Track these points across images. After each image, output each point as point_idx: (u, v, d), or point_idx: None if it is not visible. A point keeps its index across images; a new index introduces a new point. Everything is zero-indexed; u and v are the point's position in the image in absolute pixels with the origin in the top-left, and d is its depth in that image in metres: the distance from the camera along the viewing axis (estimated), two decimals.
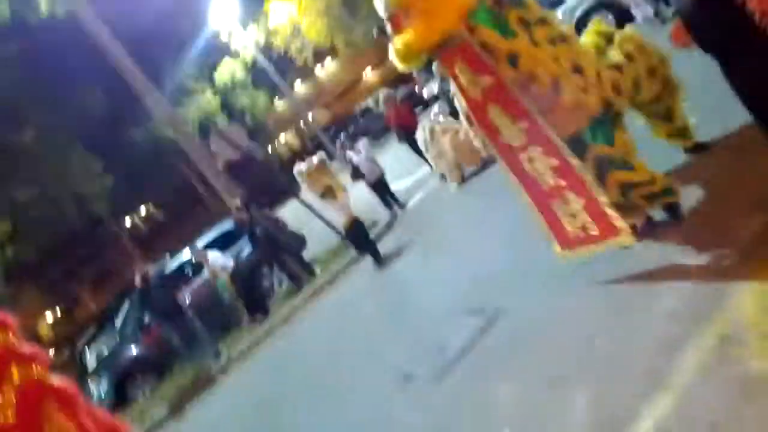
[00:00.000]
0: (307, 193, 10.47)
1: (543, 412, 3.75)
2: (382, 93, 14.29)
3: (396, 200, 12.00)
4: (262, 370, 9.31)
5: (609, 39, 4.93)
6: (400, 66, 4.53)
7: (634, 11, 11.03)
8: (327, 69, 49.37)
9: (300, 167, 9.84)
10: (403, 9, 4.33)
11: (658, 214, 4.66)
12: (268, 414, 7.21)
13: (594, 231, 4.38)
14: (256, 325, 11.45)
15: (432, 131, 10.79)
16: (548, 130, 4.24)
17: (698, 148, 5.20)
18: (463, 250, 7.38)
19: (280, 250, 11.68)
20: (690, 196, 4.64)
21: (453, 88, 4.89)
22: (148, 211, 47.01)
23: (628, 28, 5.20)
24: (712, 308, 3.49)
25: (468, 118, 5.23)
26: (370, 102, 27.60)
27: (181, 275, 12.30)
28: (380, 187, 11.92)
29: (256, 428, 7.15)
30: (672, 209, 4.58)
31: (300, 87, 47.03)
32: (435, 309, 6.41)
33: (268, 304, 11.93)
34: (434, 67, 10.41)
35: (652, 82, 4.88)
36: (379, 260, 9.38)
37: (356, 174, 11.86)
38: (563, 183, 4.34)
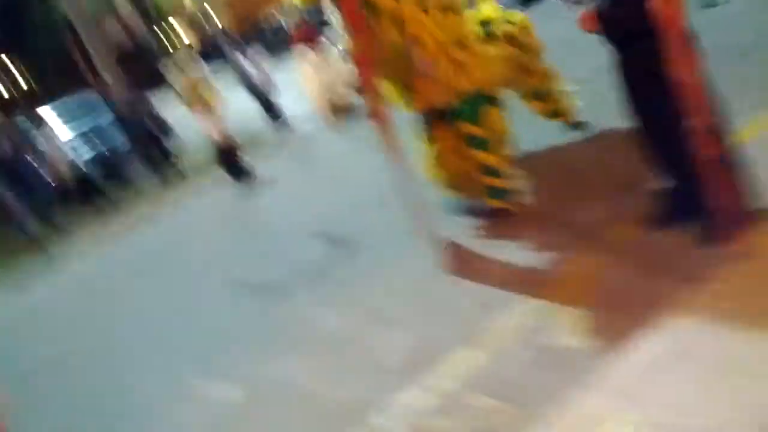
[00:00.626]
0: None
1: (360, 345, 3.92)
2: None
3: (279, 116, 11.74)
4: (99, 261, 8.92)
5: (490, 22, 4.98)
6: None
7: None
8: None
9: (174, 71, 9.06)
10: None
11: None
12: (100, 303, 7.02)
13: None
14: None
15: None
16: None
17: (577, 125, 5.51)
18: (338, 180, 7.41)
19: (150, 140, 11.21)
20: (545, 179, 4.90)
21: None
22: (19, 68, 43.62)
23: (520, 13, 5.28)
24: (536, 285, 3.75)
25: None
26: (282, 20, 26.61)
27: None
28: (266, 101, 11.64)
29: (84, 314, 6.92)
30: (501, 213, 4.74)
31: None
32: (293, 231, 6.42)
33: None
34: None
35: (528, 72, 5.15)
36: (248, 181, 9.01)
37: (245, 82, 11.54)
38: None
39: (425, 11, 4.27)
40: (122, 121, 11.21)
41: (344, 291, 4.69)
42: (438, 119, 4.75)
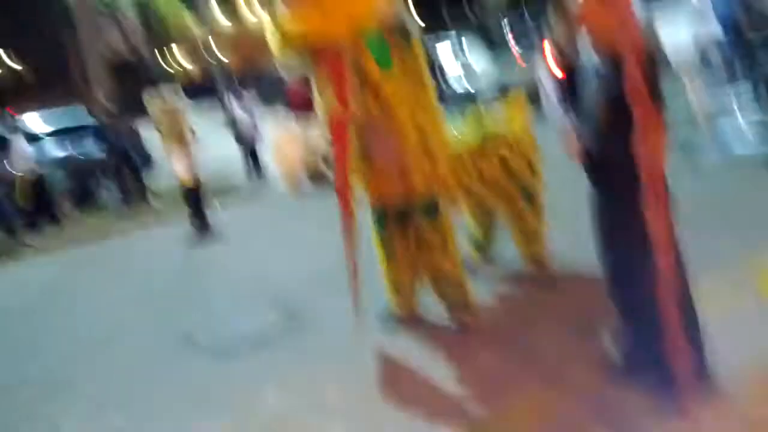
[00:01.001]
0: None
1: (293, 427, 3.78)
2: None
3: (259, 169, 11.75)
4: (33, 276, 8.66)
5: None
6: (274, 50, 4.18)
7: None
8: (259, 17, 48.02)
9: (154, 101, 8.65)
10: None
11: None
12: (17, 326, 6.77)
13: None
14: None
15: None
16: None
17: (549, 281, 5.03)
18: (300, 247, 7.38)
19: (125, 161, 11.05)
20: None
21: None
22: (9, 61, 43.28)
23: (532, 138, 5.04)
24: (476, 413, 3.66)
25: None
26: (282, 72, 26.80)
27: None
28: (249, 149, 11.68)
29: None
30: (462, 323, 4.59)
31: (225, 19, 45.32)
32: (245, 291, 6.32)
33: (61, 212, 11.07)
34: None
35: (511, 204, 4.92)
36: (206, 229, 8.88)
37: (233, 127, 11.62)
38: None
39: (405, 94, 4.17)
40: (103, 138, 11.06)
41: (287, 366, 4.56)
42: (394, 217, 4.57)
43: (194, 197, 8.80)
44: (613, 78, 3.04)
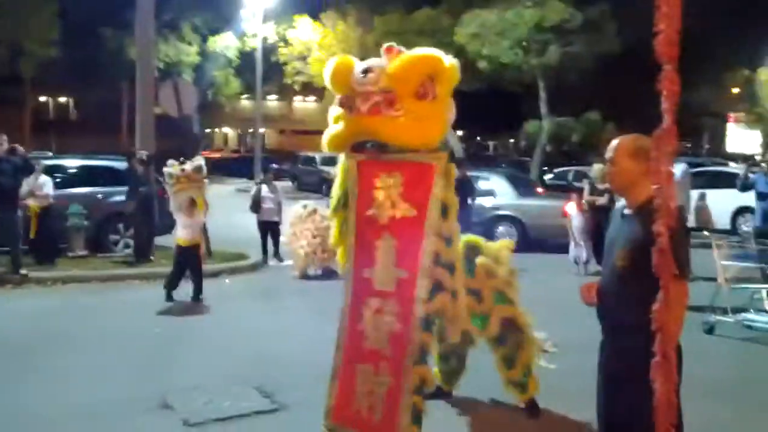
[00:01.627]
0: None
1: None
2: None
3: (278, 252, 11.82)
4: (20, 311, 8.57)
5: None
6: (326, 145, 4.18)
7: (570, 248, 11.50)
8: (305, 105, 49.71)
9: (173, 169, 8.69)
10: (386, 93, 3.89)
11: None
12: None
13: (375, 417, 3.93)
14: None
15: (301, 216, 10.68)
16: (418, 298, 3.89)
17: (531, 410, 4.99)
18: (295, 330, 7.28)
19: (147, 217, 11.14)
20: None
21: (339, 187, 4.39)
22: (66, 103, 44.99)
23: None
24: None
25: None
26: (316, 156, 27.46)
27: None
28: (268, 232, 11.76)
29: None
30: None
31: (272, 101, 46.97)
32: (227, 365, 6.20)
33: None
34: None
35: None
36: (199, 294, 8.84)
37: (254, 207, 11.77)
38: (388, 353, 3.94)
39: None
40: (130, 188, 11.19)
41: None
42: None
43: (183, 258, 8.83)
44: (640, 232, 3.01)
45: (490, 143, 59.81)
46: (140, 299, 8.96)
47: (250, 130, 42.95)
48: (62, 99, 44.11)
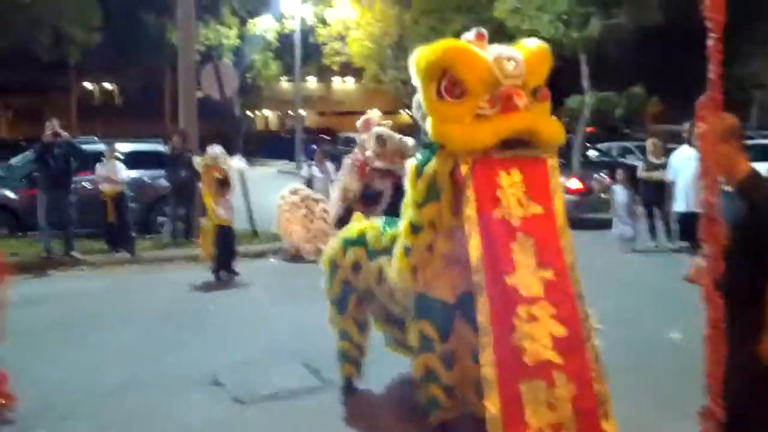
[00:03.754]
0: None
1: None
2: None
3: None
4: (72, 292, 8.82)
5: None
6: (461, 143, 3.67)
7: (614, 225, 11.35)
8: (344, 85, 49.70)
9: (198, 159, 9.58)
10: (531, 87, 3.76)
11: None
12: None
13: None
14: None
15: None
16: (576, 293, 3.58)
17: None
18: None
19: (184, 199, 11.36)
20: None
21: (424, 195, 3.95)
22: (111, 89, 45.76)
23: None
24: None
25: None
26: (356, 137, 27.47)
27: (86, 160, 11.61)
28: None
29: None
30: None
31: (312, 82, 47.06)
32: (279, 344, 6.31)
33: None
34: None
35: None
36: (231, 269, 9.32)
37: (308, 185, 11.83)
38: (559, 360, 3.41)
39: None
40: (173, 171, 11.41)
41: (304, 423, 4.52)
42: None
43: (222, 236, 9.18)
44: (743, 207, 3.04)
45: None
46: (187, 279, 9.17)
47: (290, 112, 43.19)
48: (107, 85, 44.84)
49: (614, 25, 20.30)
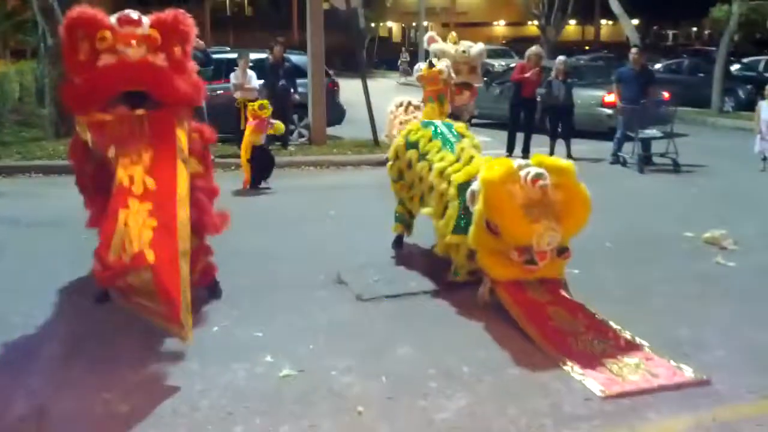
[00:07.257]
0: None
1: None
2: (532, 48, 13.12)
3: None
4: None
5: None
6: None
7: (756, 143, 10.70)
8: None
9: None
10: None
11: None
12: None
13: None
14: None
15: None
16: None
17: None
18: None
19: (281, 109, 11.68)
20: None
21: None
22: (242, 1, 46.60)
23: None
24: None
25: None
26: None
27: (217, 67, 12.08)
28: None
29: None
30: None
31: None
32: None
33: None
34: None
35: None
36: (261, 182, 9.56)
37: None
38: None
39: None
40: (268, 83, 11.83)
41: (424, 324, 4.76)
42: None
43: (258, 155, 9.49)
44: None
45: (670, 33, 55.19)
46: (313, 185, 9.57)
47: (414, 24, 42.51)
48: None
49: None
